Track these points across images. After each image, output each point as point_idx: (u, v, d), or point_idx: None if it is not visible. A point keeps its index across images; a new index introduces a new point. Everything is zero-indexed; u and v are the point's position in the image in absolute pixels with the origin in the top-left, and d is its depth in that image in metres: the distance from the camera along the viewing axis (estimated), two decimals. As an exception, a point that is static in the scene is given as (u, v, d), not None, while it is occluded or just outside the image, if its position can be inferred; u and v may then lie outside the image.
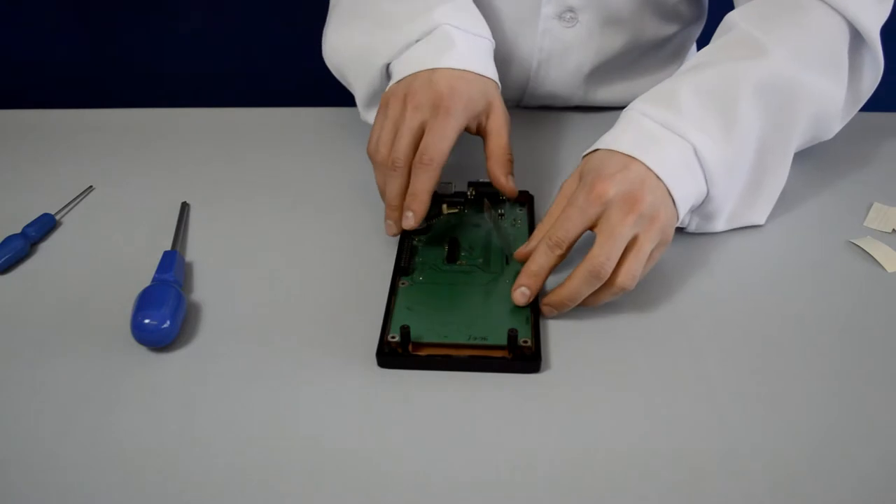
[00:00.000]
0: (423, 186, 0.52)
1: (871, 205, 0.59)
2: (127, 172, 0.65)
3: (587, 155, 0.52)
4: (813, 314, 0.50)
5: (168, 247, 0.55)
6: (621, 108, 0.55)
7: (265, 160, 0.67)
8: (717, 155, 0.51)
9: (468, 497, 0.39)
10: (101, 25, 1.54)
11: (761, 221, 0.57)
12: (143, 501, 0.39)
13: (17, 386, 0.45)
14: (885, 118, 0.71)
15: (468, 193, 0.59)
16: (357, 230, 0.58)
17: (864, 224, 0.58)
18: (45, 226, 0.58)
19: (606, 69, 0.72)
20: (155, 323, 0.46)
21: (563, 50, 0.69)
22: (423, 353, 0.46)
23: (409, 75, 0.55)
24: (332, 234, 0.58)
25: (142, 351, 0.47)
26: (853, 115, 0.59)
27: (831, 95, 0.55)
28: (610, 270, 0.47)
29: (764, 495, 0.39)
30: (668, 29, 0.71)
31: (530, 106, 0.75)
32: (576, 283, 0.47)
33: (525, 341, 0.46)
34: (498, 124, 0.56)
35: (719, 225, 0.56)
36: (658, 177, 0.49)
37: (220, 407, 0.44)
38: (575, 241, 0.49)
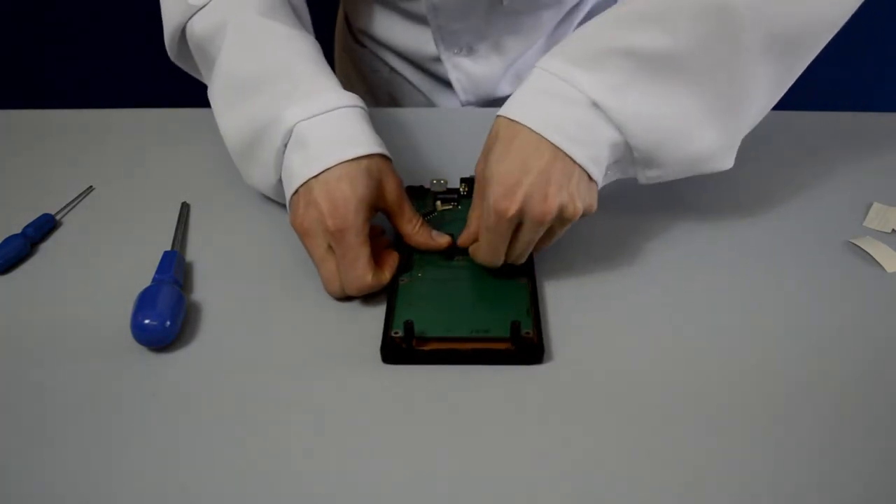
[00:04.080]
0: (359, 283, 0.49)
1: (871, 205, 0.59)
2: (127, 172, 0.65)
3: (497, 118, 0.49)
4: (812, 314, 0.50)
5: (168, 247, 0.55)
6: None
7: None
8: (629, 101, 0.47)
9: (474, 490, 0.39)
10: (100, 26, 1.54)
11: (728, 166, 0.52)
12: (143, 501, 0.39)
13: (17, 386, 0.45)
14: (885, 118, 0.71)
15: (461, 189, 0.59)
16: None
17: (864, 224, 0.58)
18: (45, 226, 0.58)
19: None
20: (155, 323, 0.46)
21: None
22: (427, 347, 0.46)
23: (292, 196, 0.51)
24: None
25: (142, 351, 0.47)
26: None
27: None
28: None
29: (764, 492, 0.39)
30: None
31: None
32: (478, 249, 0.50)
33: (527, 332, 0.46)
34: (394, 201, 0.52)
35: (670, 173, 0.51)
36: (552, 143, 0.46)
37: (222, 407, 0.44)
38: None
